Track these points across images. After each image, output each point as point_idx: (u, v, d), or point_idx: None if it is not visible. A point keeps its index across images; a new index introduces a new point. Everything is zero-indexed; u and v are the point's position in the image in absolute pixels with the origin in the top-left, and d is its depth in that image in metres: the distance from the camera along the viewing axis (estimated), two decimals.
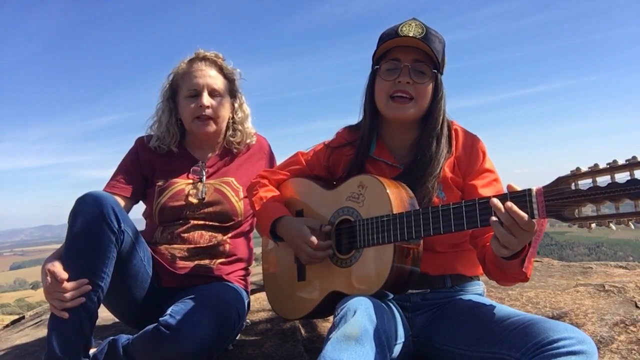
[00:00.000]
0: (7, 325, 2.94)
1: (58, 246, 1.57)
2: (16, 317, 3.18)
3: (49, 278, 1.44)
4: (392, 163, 1.46)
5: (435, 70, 1.39)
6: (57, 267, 1.44)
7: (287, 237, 1.49)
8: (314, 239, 1.39)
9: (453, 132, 1.45)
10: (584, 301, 1.93)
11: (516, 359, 1.06)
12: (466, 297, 1.40)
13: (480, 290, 1.45)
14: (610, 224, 0.95)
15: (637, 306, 1.81)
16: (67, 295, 1.41)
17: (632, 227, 0.93)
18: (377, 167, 1.47)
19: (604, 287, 2.05)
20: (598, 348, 1.46)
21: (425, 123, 1.44)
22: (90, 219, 1.46)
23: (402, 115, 1.40)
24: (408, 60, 1.37)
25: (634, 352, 1.48)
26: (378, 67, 1.42)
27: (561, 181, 1.01)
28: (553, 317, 1.77)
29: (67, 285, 1.41)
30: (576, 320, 1.73)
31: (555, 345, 1.00)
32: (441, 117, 1.42)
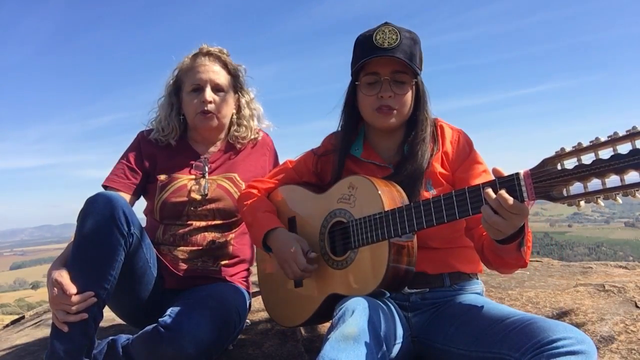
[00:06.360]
0: (7, 325, 2.94)
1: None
2: (16, 317, 3.18)
3: (55, 289, 1.40)
4: (381, 164, 1.48)
5: (415, 77, 1.42)
6: (65, 279, 1.41)
7: (277, 251, 1.49)
8: (303, 261, 1.41)
9: (438, 128, 1.48)
10: (584, 301, 1.93)
11: (515, 359, 1.06)
12: (465, 296, 1.40)
13: (479, 290, 1.46)
14: (599, 200, 0.96)
15: (637, 306, 1.81)
16: (73, 308, 1.39)
17: (620, 201, 0.93)
18: (366, 169, 1.48)
19: (604, 287, 2.05)
20: (598, 348, 1.47)
21: (410, 124, 1.46)
22: (100, 221, 1.44)
23: (387, 125, 1.44)
24: (387, 73, 1.39)
25: (634, 352, 1.48)
26: (358, 82, 1.44)
27: (547, 162, 1.01)
28: (553, 317, 1.77)
29: (74, 298, 1.39)
30: (576, 320, 1.74)
31: (554, 345, 1.01)
32: (426, 117, 1.45)
